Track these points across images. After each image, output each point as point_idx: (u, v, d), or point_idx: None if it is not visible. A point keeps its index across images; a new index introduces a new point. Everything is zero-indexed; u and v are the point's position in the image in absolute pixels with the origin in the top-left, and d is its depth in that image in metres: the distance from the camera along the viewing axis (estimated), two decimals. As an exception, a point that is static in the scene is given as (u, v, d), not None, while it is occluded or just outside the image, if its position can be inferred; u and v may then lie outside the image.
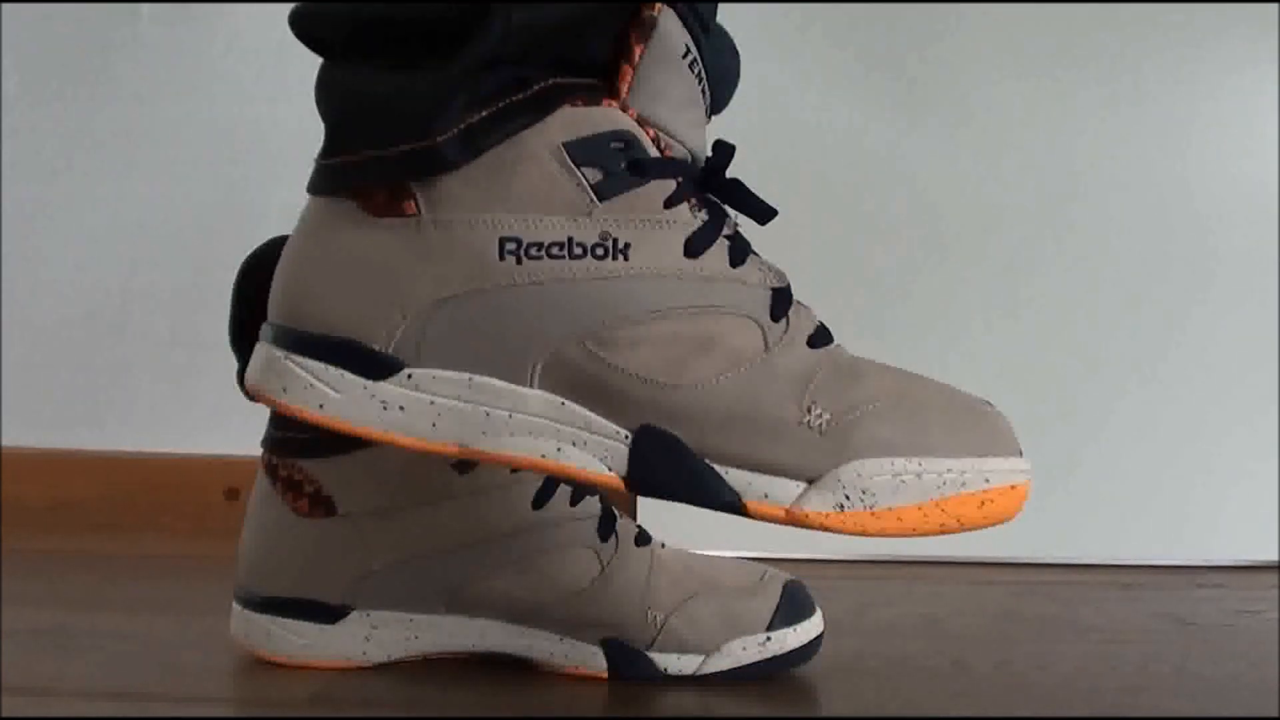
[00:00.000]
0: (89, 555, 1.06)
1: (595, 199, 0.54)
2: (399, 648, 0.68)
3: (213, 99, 1.22)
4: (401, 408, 0.54)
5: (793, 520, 0.54)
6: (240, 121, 1.22)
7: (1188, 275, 1.12)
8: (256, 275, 0.67)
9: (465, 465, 0.66)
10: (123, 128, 1.23)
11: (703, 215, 0.57)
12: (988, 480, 0.55)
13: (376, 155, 0.53)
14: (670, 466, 0.54)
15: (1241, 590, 0.99)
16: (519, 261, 0.53)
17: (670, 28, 0.56)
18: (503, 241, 0.53)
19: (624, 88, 0.56)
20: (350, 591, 0.67)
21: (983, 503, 0.55)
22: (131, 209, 1.23)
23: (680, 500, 0.54)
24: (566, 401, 0.54)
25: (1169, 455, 1.11)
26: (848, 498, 0.54)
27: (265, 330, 0.57)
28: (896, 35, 1.13)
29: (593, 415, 0.54)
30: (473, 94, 0.53)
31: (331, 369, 0.54)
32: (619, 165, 0.55)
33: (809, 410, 0.55)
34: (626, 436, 0.54)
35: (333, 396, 0.54)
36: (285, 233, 0.72)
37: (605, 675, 0.67)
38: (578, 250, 0.54)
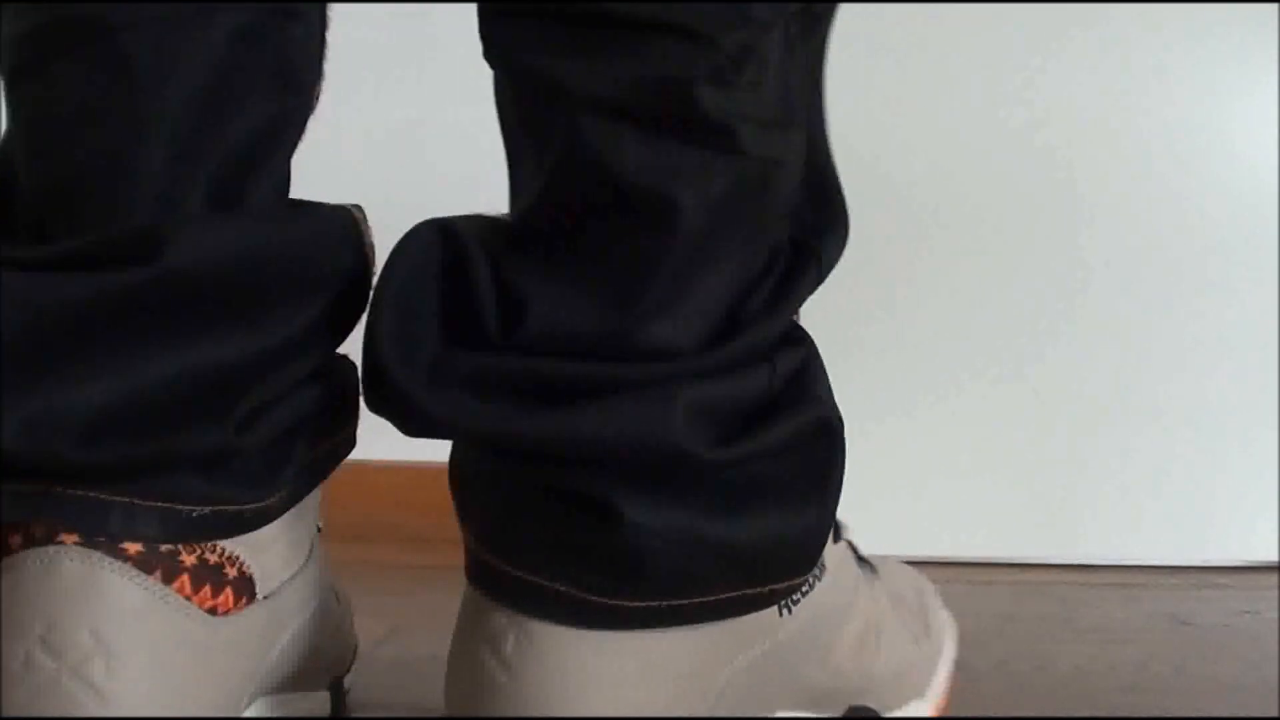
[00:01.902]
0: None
1: None
2: None
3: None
4: None
5: None
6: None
7: (1189, 275, 1.12)
8: None
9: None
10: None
11: None
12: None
13: (745, 594, 0.50)
14: None
15: (1241, 590, 0.99)
16: (790, 612, 0.53)
17: None
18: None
19: None
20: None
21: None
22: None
23: None
24: (801, 714, 0.56)
25: (1169, 455, 1.11)
26: (937, 693, 0.62)
27: None
28: (887, 29, 1.13)
29: (811, 716, 0.56)
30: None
31: None
32: None
33: (917, 641, 0.61)
34: None
35: None
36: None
37: None
38: (811, 580, 0.54)
